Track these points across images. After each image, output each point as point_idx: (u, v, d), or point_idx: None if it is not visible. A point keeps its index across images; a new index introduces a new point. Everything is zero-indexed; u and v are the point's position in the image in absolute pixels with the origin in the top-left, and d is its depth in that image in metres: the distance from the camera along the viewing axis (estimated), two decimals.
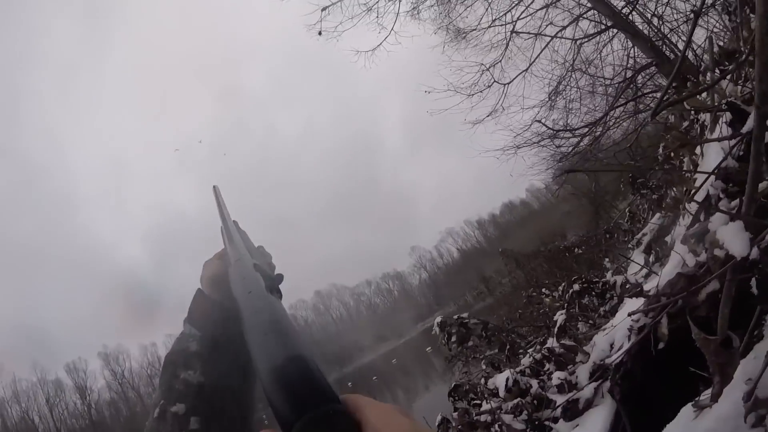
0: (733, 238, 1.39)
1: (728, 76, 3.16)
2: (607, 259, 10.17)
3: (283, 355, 0.51)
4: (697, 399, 1.71)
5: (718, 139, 2.11)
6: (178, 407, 0.78)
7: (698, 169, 3.76)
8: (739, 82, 3.36)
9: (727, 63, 3.78)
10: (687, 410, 1.77)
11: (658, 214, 6.77)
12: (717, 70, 3.80)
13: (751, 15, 2.81)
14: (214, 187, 1.09)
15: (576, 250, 12.37)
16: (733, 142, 2.94)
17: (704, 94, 3.99)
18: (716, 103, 3.30)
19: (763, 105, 1.36)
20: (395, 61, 12.02)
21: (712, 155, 3.32)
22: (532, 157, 12.34)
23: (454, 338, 5.00)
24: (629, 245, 8.27)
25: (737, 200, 1.91)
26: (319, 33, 10.68)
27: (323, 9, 10.43)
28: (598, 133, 11.85)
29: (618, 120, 11.89)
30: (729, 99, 3.05)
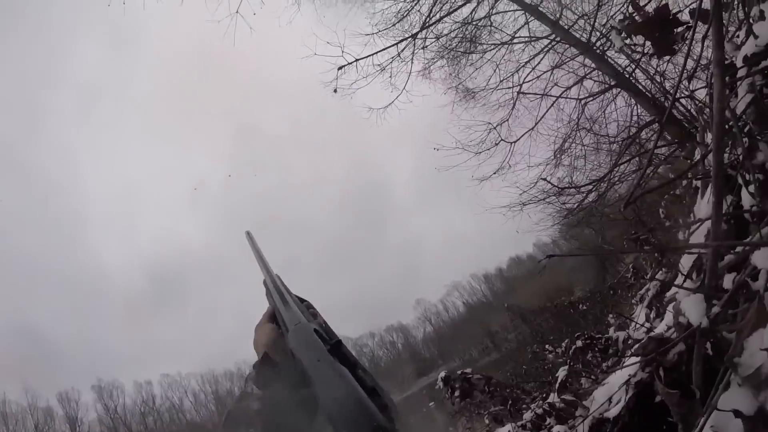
0: (691, 308, 1.59)
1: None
2: (611, 315, 10.12)
3: (369, 427, 0.57)
4: None
5: (701, 222, 2.30)
6: None
7: (691, 233, 3.90)
8: (726, 149, 3.54)
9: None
10: None
11: (660, 271, 6.84)
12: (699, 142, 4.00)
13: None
14: (247, 232, 1.10)
15: (581, 306, 12.31)
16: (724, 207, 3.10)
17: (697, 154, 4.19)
18: (707, 169, 3.49)
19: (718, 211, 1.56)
20: (407, 117, 12.44)
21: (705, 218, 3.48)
22: (538, 213, 12.48)
23: (457, 393, 5.00)
24: (633, 301, 8.30)
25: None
26: (335, 90, 11.14)
27: (339, 68, 10.93)
28: (603, 189, 12.03)
29: (623, 176, 12.09)
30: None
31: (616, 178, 12.14)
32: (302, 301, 1.04)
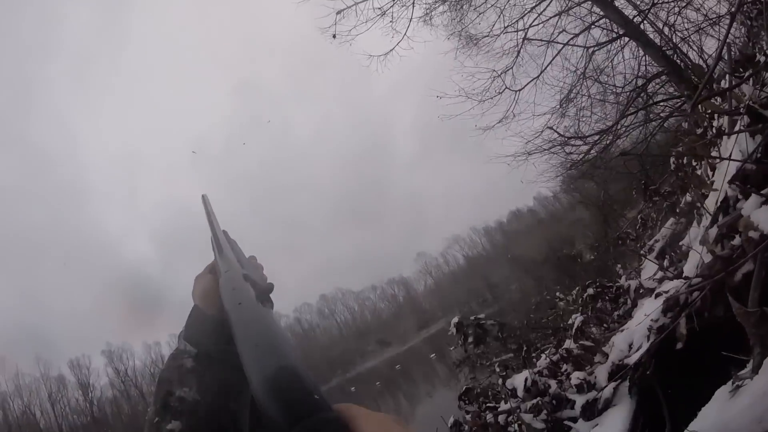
0: (767, 218, 1.48)
1: (748, 81, 3.22)
2: (619, 265, 10.14)
3: (275, 366, 0.53)
4: (735, 374, 1.76)
5: (742, 131, 2.18)
6: (173, 425, 0.76)
7: (716, 174, 3.81)
8: (757, 86, 3.42)
9: (742, 69, 3.84)
10: (722, 392, 1.83)
11: (671, 221, 6.79)
12: (734, 76, 3.86)
13: None
14: (203, 196, 1.06)
15: (588, 256, 12.32)
16: (752, 146, 3.00)
17: (720, 100, 4.05)
18: (734, 107, 3.36)
19: None
20: (408, 65, 12.12)
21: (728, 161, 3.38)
22: (542, 164, 12.32)
23: (470, 339, 5.02)
24: (641, 252, 8.29)
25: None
26: (333, 36, 10.83)
27: (338, 12, 10.58)
28: (609, 141, 11.88)
29: (628, 128, 11.92)
30: (747, 103, 3.11)
31: (622, 131, 11.96)
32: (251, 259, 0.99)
